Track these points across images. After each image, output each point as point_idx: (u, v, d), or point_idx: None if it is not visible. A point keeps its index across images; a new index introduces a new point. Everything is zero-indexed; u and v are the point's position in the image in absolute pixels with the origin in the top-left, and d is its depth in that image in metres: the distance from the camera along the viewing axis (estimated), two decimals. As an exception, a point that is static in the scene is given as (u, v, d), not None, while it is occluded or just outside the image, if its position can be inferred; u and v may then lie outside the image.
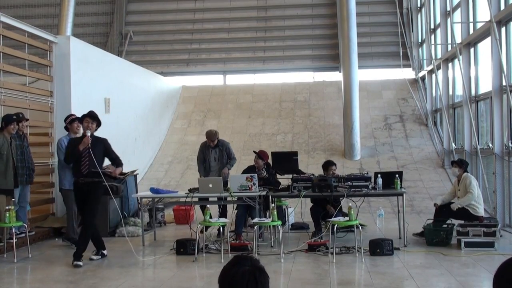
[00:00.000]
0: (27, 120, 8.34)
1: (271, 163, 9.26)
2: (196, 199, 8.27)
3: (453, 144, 12.82)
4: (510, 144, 9.21)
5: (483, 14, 10.77)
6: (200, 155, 9.27)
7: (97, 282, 6.14)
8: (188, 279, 6.35)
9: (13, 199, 7.62)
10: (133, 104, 13.47)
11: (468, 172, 8.34)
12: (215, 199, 8.19)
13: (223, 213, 8.49)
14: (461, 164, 8.32)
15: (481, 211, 8.08)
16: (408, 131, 15.12)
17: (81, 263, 6.94)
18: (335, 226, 7.20)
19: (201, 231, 8.15)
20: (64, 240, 8.39)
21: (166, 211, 10.78)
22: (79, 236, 7.36)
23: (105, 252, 7.45)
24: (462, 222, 7.91)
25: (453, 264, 6.72)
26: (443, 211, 8.23)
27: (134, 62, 14.94)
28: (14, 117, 7.84)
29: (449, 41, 13.04)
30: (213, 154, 9.07)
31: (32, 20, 15.37)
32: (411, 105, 16.05)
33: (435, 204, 8.49)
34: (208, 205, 8.39)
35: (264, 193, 8.07)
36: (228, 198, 7.94)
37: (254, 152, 9.07)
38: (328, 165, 8.96)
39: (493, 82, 9.66)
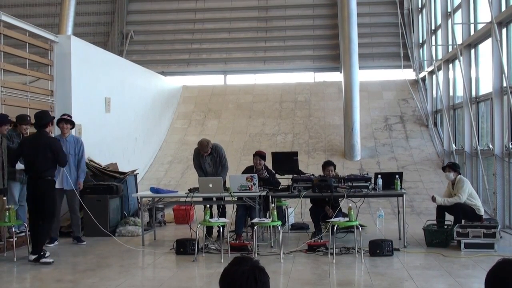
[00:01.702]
0: (31, 124, 8.39)
1: (271, 163, 9.25)
2: (197, 199, 8.25)
3: (454, 145, 12.81)
4: (510, 146, 9.20)
5: (484, 15, 10.76)
6: (196, 162, 9.07)
7: (96, 282, 6.14)
8: (187, 279, 6.35)
9: (4, 198, 7.60)
10: (133, 104, 13.48)
11: (460, 174, 8.36)
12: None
13: (222, 213, 8.48)
14: (455, 168, 8.34)
15: (482, 210, 8.12)
16: (408, 132, 15.12)
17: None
18: (335, 227, 7.20)
19: (206, 236, 8.16)
20: (74, 240, 8.48)
21: (166, 210, 10.79)
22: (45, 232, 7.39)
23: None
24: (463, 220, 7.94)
25: (453, 265, 6.72)
26: (444, 210, 8.26)
27: (135, 62, 14.95)
28: (9, 117, 7.84)
29: (450, 42, 13.04)
30: (208, 161, 8.94)
31: (33, 19, 15.36)
32: (411, 106, 16.05)
33: (433, 197, 8.40)
34: (208, 205, 8.44)
35: (264, 193, 8.07)
36: (228, 198, 7.94)
37: (254, 155, 8.98)
38: (325, 165, 8.97)
39: (494, 83, 9.66)
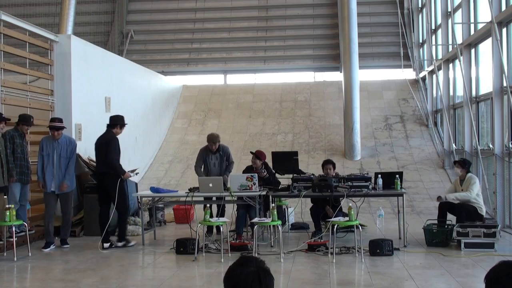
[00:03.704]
0: (33, 125, 8.36)
1: (271, 162, 9.25)
2: (197, 198, 8.26)
3: (454, 145, 12.82)
4: (510, 145, 9.20)
5: (484, 15, 10.77)
6: (199, 162, 9.16)
7: (97, 281, 6.14)
8: (187, 278, 6.35)
9: (5, 197, 7.58)
10: (133, 103, 13.48)
11: (471, 172, 8.33)
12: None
13: (221, 214, 8.47)
14: (464, 164, 8.30)
15: (484, 210, 8.12)
16: (408, 131, 15.12)
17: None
18: (335, 226, 7.20)
19: (206, 235, 8.17)
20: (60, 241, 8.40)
21: (166, 210, 10.79)
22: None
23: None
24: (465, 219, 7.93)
25: (453, 264, 6.72)
26: (447, 208, 8.25)
27: (135, 61, 14.94)
28: (4, 115, 7.83)
29: (450, 42, 13.04)
30: (213, 160, 9.05)
31: (33, 18, 15.38)
32: (411, 106, 16.05)
33: (438, 197, 8.38)
34: (208, 205, 8.45)
35: (264, 193, 8.07)
36: (228, 198, 7.95)
37: (251, 152, 9.06)
38: (324, 163, 8.99)
39: (494, 83, 9.66)
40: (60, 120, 8.42)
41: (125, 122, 8.46)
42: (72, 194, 8.42)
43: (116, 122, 8.29)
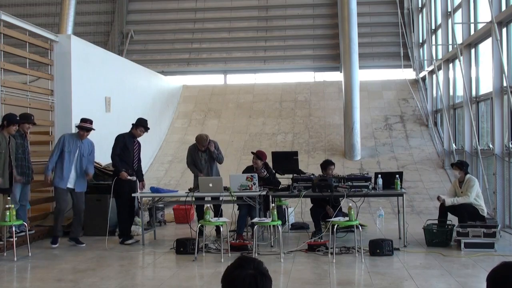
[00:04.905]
0: (34, 124, 8.36)
1: (271, 162, 9.25)
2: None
3: (454, 145, 12.82)
4: (510, 145, 9.20)
5: (484, 15, 10.77)
6: (189, 159, 9.23)
7: (97, 281, 6.14)
8: (187, 278, 6.36)
9: (8, 198, 7.57)
10: (133, 103, 13.47)
11: (469, 173, 8.32)
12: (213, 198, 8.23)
13: (220, 213, 8.45)
14: (462, 166, 8.29)
15: (485, 211, 8.13)
16: (408, 131, 15.12)
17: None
18: (335, 226, 7.20)
19: (200, 233, 8.14)
20: (70, 240, 8.40)
21: (166, 210, 10.79)
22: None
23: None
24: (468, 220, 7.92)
25: (452, 264, 6.72)
26: (447, 210, 8.23)
27: (135, 61, 14.95)
28: (18, 118, 7.82)
29: (450, 42, 13.05)
30: (203, 157, 9.08)
31: (33, 18, 15.38)
32: (411, 106, 16.06)
33: (438, 198, 8.36)
34: (208, 205, 8.44)
35: (264, 193, 8.07)
36: (228, 198, 7.94)
37: (252, 152, 9.07)
38: (327, 164, 8.94)
39: (494, 83, 9.66)
40: (91, 122, 8.47)
41: (146, 126, 8.79)
42: (84, 193, 8.56)
43: (136, 123, 8.71)
